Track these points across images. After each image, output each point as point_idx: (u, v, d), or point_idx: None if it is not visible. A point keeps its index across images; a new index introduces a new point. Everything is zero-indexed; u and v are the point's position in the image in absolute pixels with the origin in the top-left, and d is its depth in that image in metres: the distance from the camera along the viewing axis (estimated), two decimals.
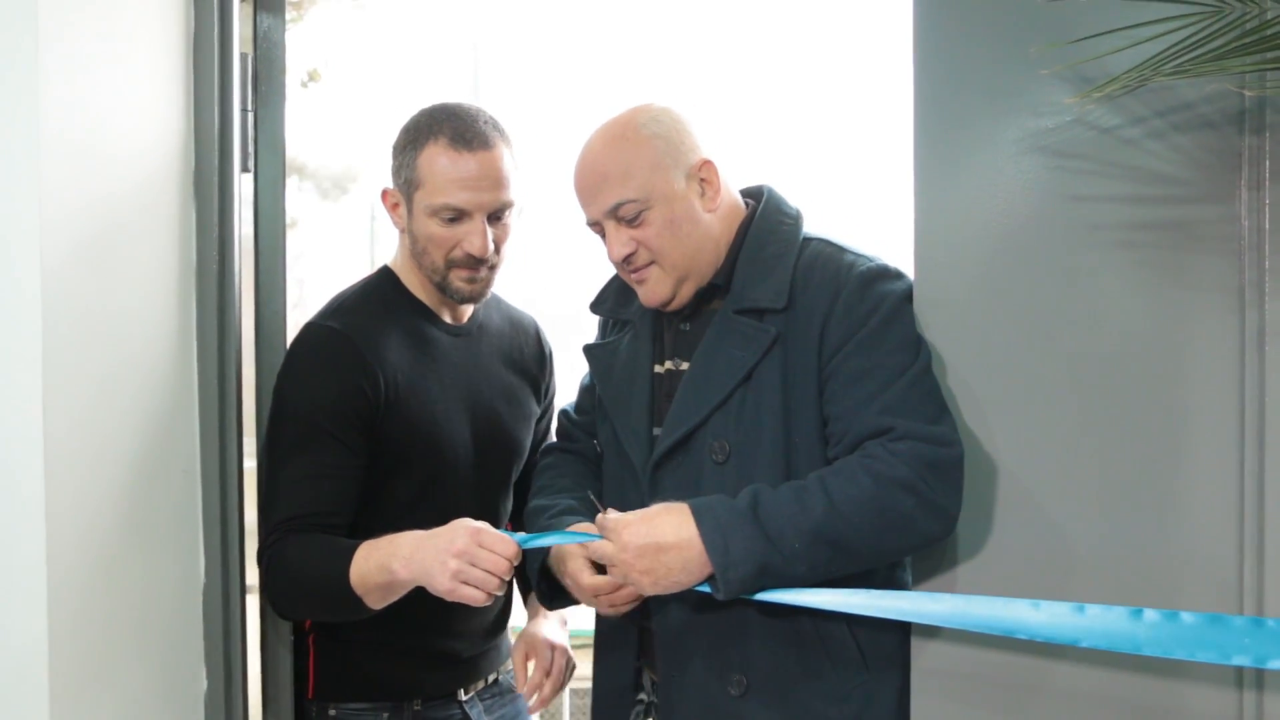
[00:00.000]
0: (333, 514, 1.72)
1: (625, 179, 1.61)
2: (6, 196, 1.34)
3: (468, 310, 1.92)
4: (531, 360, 2.02)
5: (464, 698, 1.91)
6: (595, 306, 1.87)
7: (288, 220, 1.94)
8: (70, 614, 1.41)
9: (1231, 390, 1.46)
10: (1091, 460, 1.52)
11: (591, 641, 1.85)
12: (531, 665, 1.88)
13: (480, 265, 1.79)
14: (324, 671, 1.85)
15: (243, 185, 1.83)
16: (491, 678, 1.97)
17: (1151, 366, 1.49)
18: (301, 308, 2.21)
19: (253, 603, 1.86)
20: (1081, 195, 1.51)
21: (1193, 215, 1.47)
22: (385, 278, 1.89)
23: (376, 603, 1.66)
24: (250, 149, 1.86)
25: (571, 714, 4.31)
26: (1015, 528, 1.55)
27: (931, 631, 1.58)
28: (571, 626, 2.07)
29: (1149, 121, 1.47)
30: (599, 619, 1.80)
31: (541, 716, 4.12)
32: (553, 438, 1.99)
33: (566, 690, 3.53)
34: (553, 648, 1.89)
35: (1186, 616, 1.34)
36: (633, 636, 1.74)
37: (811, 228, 1.70)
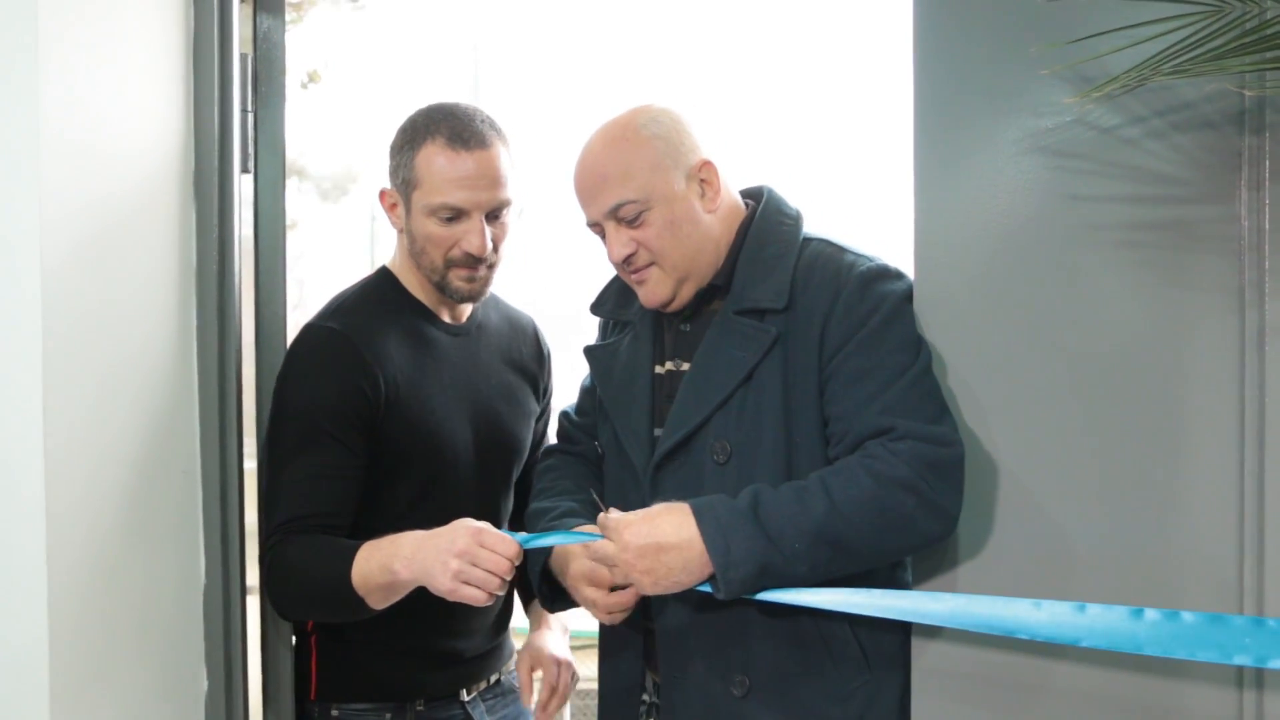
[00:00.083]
0: (334, 515, 1.72)
1: (625, 180, 1.61)
2: (6, 196, 1.34)
3: (466, 310, 1.92)
4: (530, 359, 2.02)
5: (466, 698, 1.91)
6: (595, 308, 1.87)
7: (288, 221, 1.94)
8: (70, 614, 1.41)
9: (1231, 390, 1.46)
10: (1091, 460, 1.52)
11: (593, 642, 1.85)
12: (537, 676, 1.90)
13: (479, 264, 1.79)
14: (326, 672, 1.85)
15: (243, 186, 1.83)
16: (494, 678, 1.97)
17: (1151, 366, 1.49)
18: (302, 309, 2.21)
19: (253, 603, 1.86)
20: (1081, 195, 1.51)
21: (1193, 215, 1.47)
22: (384, 278, 1.89)
23: (378, 603, 1.66)
24: (250, 150, 1.86)
25: (573, 714, 4.31)
26: (1016, 528, 1.55)
27: (932, 631, 1.58)
28: (574, 628, 2.08)
29: (1149, 121, 1.47)
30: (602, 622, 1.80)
31: None
32: (553, 439, 1.99)
33: None
34: (558, 664, 1.91)
35: (1187, 616, 1.34)
36: (637, 638, 1.74)
37: (812, 228, 1.70)
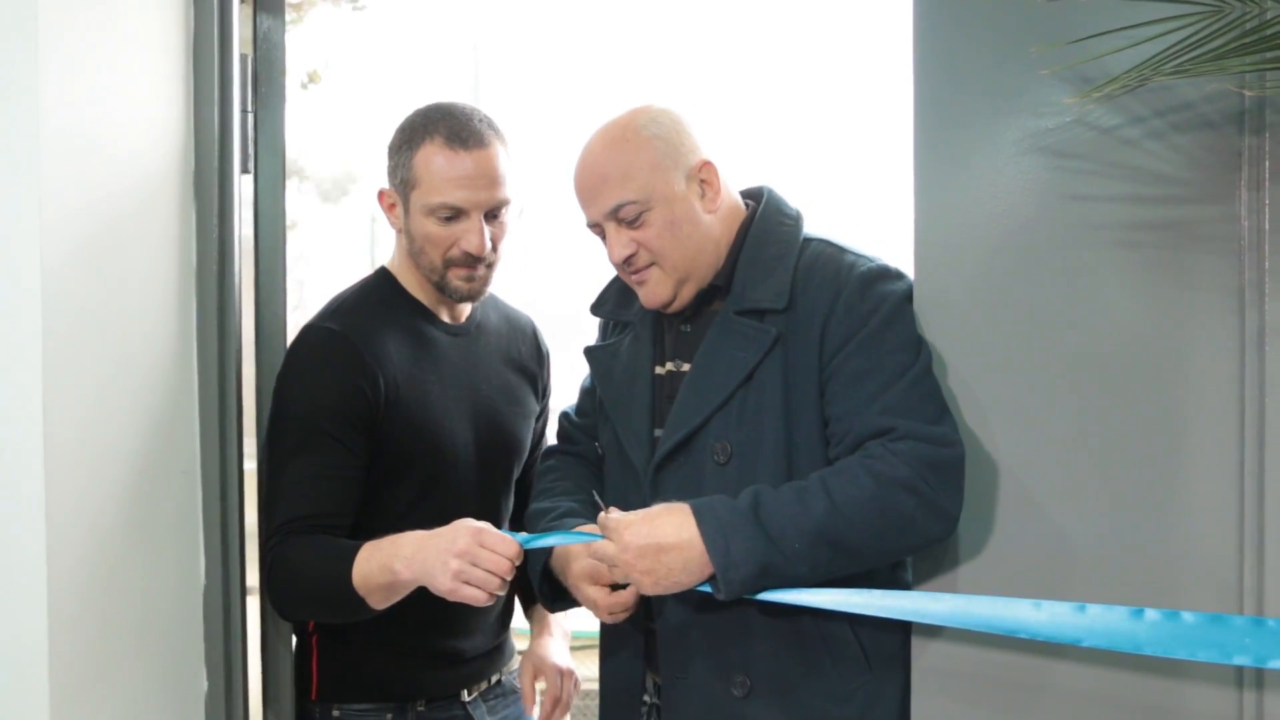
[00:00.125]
0: (334, 515, 1.72)
1: (625, 180, 1.61)
2: (7, 197, 1.34)
3: (466, 309, 1.92)
4: (530, 358, 2.02)
5: (467, 699, 1.91)
6: (596, 309, 1.87)
7: (288, 222, 1.94)
8: (70, 614, 1.41)
9: (1231, 390, 1.46)
10: (1091, 460, 1.51)
11: (593, 643, 1.85)
12: (540, 685, 1.91)
13: (478, 263, 1.79)
14: (327, 673, 1.85)
15: (243, 186, 1.83)
16: (495, 678, 1.97)
17: (1151, 366, 1.49)
18: (302, 309, 2.21)
19: (253, 603, 1.86)
20: (1081, 195, 1.51)
21: (1193, 215, 1.47)
22: (383, 278, 1.89)
23: (379, 603, 1.66)
24: (250, 150, 1.86)
25: (573, 715, 4.31)
26: (1016, 528, 1.55)
27: (933, 631, 1.58)
28: (574, 628, 2.08)
29: (1149, 121, 1.47)
30: (603, 622, 1.80)
31: None
32: (553, 440, 1.99)
33: None
34: (561, 674, 1.92)
35: (1187, 616, 1.34)
36: (637, 639, 1.74)
37: (812, 228, 1.70)
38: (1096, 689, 1.51)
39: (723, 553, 1.47)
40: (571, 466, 1.87)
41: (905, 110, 1.60)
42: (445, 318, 1.90)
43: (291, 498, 1.72)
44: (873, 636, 1.60)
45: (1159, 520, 1.49)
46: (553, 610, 1.86)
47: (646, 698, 1.76)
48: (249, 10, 1.88)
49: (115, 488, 1.53)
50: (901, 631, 1.61)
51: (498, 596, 1.58)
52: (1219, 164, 1.45)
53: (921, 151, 1.59)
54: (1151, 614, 1.35)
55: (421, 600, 1.62)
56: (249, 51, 1.87)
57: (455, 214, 1.76)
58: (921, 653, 1.60)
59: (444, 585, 1.56)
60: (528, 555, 1.65)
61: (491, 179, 1.76)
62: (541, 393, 2.05)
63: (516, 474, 1.98)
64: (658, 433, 1.69)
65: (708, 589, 1.52)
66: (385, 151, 1.84)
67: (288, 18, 1.92)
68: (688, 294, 1.67)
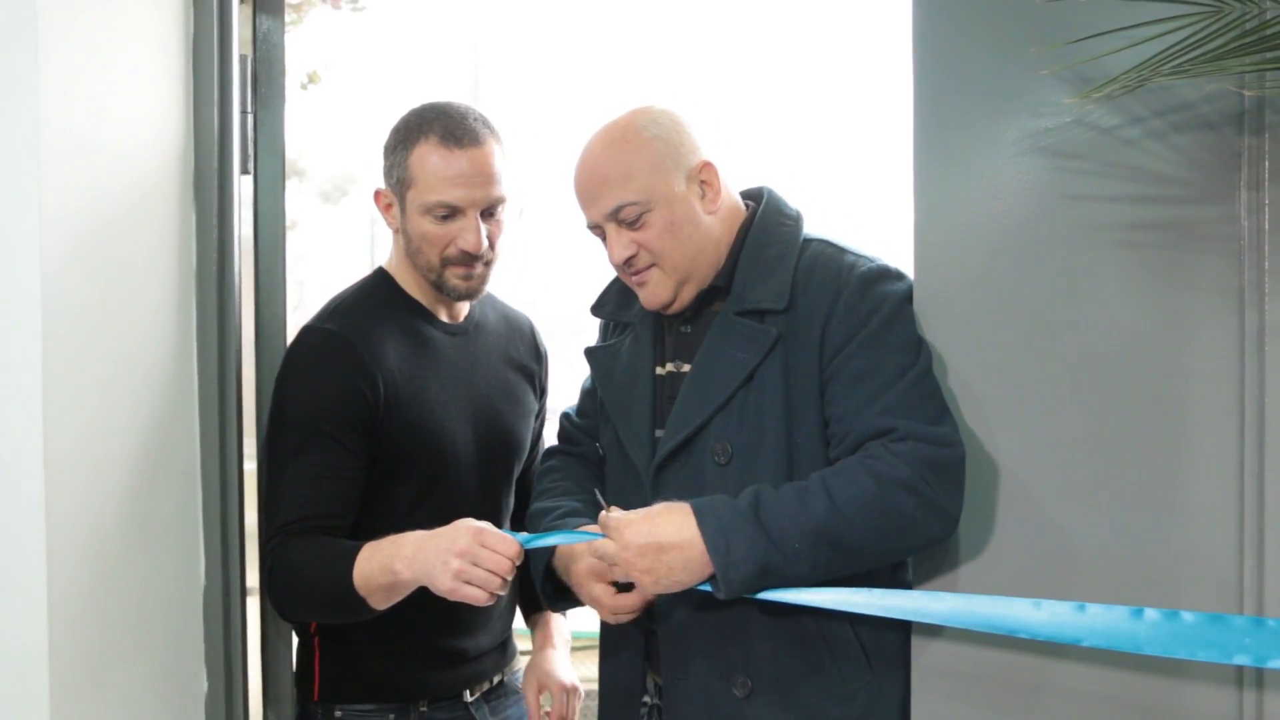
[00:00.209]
0: (334, 516, 1.72)
1: (625, 181, 1.61)
2: (7, 197, 1.34)
3: (464, 309, 1.92)
4: (528, 357, 2.02)
5: (469, 699, 1.91)
6: (596, 309, 1.87)
7: (287, 222, 1.94)
8: (71, 615, 1.41)
9: (1231, 390, 1.46)
10: (1091, 460, 1.52)
11: (593, 643, 1.85)
12: (545, 699, 1.92)
13: (475, 261, 1.79)
14: (329, 673, 1.85)
15: (242, 187, 1.84)
16: (497, 679, 1.97)
17: (1151, 367, 1.49)
18: (301, 310, 2.22)
19: (253, 604, 1.86)
20: (1081, 195, 1.51)
21: (1193, 215, 1.47)
22: (381, 279, 1.89)
23: (380, 604, 1.66)
24: (250, 151, 1.87)
25: None
26: (1016, 528, 1.55)
27: (933, 631, 1.58)
28: (575, 628, 2.08)
29: (1149, 121, 1.47)
30: (604, 622, 1.80)
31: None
32: (553, 440, 1.99)
33: None
34: (566, 690, 1.93)
35: (1187, 616, 1.34)
36: (638, 639, 1.74)
37: (812, 229, 1.70)
38: (1096, 689, 1.51)
39: (723, 552, 1.47)
40: (572, 467, 1.88)
41: (905, 110, 1.61)
42: (443, 317, 1.90)
43: (291, 499, 1.72)
44: (873, 636, 1.60)
45: (1159, 520, 1.49)
46: (555, 609, 1.86)
47: (646, 698, 1.76)
48: (248, 11, 1.88)
49: (115, 488, 1.53)
50: (902, 631, 1.61)
51: (499, 596, 1.58)
52: (1219, 164, 1.45)
53: (921, 151, 1.59)
54: (1151, 614, 1.35)
55: (423, 600, 1.62)
56: (248, 52, 1.87)
57: (451, 213, 1.76)
58: (922, 652, 1.60)
59: (445, 585, 1.56)
60: (530, 555, 1.65)
61: (487, 177, 1.76)
62: (540, 391, 2.05)
63: (517, 473, 1.98)
64: (658, 433, 1.69)
65: (708, 588, 1.52)
66: (381, 151, 1.84)
67: (287, 18, 1.93)
68: (688, 295, 1.67)
